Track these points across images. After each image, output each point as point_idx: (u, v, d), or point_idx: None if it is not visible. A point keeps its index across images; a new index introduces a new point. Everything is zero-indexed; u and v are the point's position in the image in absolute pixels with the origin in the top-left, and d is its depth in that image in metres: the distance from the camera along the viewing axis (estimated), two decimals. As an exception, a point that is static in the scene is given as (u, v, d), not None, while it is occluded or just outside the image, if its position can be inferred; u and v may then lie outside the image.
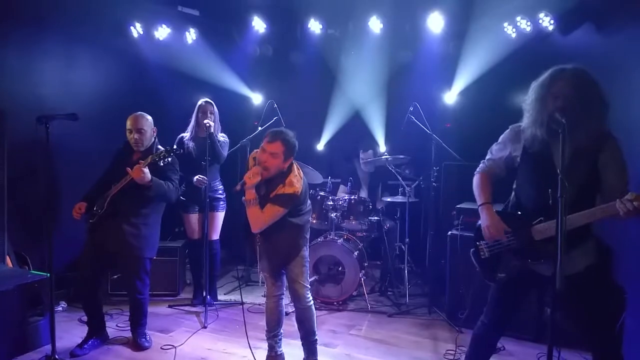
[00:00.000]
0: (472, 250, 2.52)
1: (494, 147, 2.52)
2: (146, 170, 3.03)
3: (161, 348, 3.35)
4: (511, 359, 3.27)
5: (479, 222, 2.47)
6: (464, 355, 2.65)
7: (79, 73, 4.50)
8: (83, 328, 3.63)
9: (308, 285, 2.91)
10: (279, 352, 3.06)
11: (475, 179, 2.56)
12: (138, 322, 3.36)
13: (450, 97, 5.05)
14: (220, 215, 4.23)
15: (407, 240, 4.59)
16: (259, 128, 4.63)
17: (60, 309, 4.00)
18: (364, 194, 5.03)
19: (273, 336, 3.03)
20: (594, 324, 2.23)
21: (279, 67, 5.68)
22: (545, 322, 3.40)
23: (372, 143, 5.24)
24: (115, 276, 4.15)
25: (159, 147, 3.34)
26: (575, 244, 2.13)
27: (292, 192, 2.71)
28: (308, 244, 2.96)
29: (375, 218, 4.62)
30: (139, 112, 3.30)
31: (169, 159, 3.15)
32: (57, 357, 2.86)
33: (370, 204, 4.64)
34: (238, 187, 2.76)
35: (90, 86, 4.56)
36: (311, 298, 2.94)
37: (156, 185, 3.11)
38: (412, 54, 5.14)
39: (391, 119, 5.32)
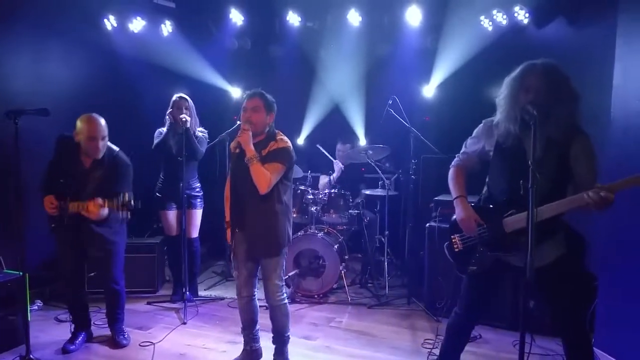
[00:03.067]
0: (446, 244, 2.57)
1: (468, 141, 2.56)
2: (105, 210, 2.93)
3: (139, 345, 3.31)
4: (487, 346, 3.34)
5: (454, 216, 2.50)
6: (441, 345, 2.70)
7: (50, 67, 4.38)
8: (60, 327, 3.60)
9: (282, 283, 2.88)
10: (254, 347, 3.04)
11: (450, 173, 2.60)
12: (115, 316, 3.31)
13: (429, 90, 5.09)
14: (198, 213, 4.19)
15: (386, 232, 4.63)
16: (238, 122, 4.57)
17: (36, 307, 3.93)
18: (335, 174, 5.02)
19: (248, 334, 3.02)
20: (564, 312, 2.30)
21: (258, 61, 5.64)
22: (519, 310, 3.47)
23: (352, 137, 5.25)
24: (92, 274, 4.09)
25: (112, 147, 3.19)
26: (545, 237, 2.19)
27: (285, 146, 2.78)
28: (289, 241, 2.91)
29: (355, 211, 4.64)
30: (92, 114, 3.06)
31: (128, 214, 3.01)
32: (32, 356, 2.81)
33: (350, 197, 4.67)
34: (235, 147, 2.80)
35: (62, 81, 4.45)
36: (285, 297, 2.90)
37: (113, 216, 3.03)
38: (391, 47, 5.16)
39: (370, 112, 5.34)
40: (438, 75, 4.98)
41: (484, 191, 2.52)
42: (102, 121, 3.07)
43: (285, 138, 2.85)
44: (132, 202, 2.95)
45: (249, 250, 2.84)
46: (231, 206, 2.87)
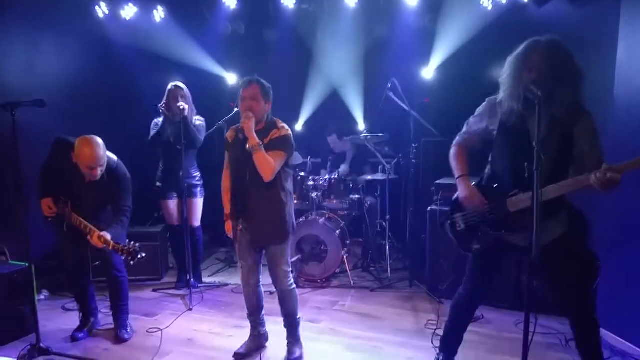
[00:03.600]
0: (447, 222, 2.59)
1: (471, 119, 2.55)
2: (107, 238, 2.93)
3: (147, 331, 3.35)
4: (490, 326, 3.38)
5: (455, 195, 2.52)
6: (444, 325, 2.75)
7: (42, 57, 4.32)
8: (67, 315, 3.63)
9: (290, 269, 2.90)
10: (262, 332, 3.09)
11: (452, 152, 2.60)
12: (119, 307, 3.29)
13: (428, 72, 5.06)
14: (199, 202, 4.19)
15: (387, 216, 4.65)
16: (235, 109, 4.54)
17: (43, 297, 3.96)
18: (344, 168, 5.06)
19: (255, 319, 3.06)
20: (569, 291, 2.33)
21: (253, 45, 5.57)
22: (522, 290, 3.52)
23: (334, 128, 5.24)
24: (97, 262, 4.10)
25: (112, 159, 3.11)
26: (549, 215, 2.20)
27: (287, 134, 2.78)
28: (294, 228, 2.91)
29: (356, 196, 4.65)
30: (92, 140, 2.91)
31: (129, 259, 2.94)
32: (42, 345, 2.84)
33: (351, 182, 4.67)
34: (240, 136, 2.75)
35: (56, 70, 4.40)
36: (293, 281, 2.93)
37: (116, 237, 3.01)
38: (389, 29, 5.10)
39: (369, 95, 5.30)
40: (437, 57, 4.94)
41: (486, 170, 2.52)
42: (101, 148, 2.95)
43: (286, 126, 2.83)
44: (139, 254, 2.93)
45: (255, 239, 2.83)
46: (233, 197, 2.83)
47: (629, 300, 2.96)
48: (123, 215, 3.11)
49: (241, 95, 2.75)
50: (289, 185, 2.88)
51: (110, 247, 2.93)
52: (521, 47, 2.24)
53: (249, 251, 2.88)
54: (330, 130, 5.22)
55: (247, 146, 2.67)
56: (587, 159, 2.16)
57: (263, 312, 3.09)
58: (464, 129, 2.59)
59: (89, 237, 2.96)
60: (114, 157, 3.15)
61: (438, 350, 2.78)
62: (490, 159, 2.50)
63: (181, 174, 3.92)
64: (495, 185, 2.40)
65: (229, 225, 2.92)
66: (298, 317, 2.99)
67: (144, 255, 2.97)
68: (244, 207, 2.78)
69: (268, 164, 2.66)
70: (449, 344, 2.72)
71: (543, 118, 2.11)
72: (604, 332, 3.11)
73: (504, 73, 2.30)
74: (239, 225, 2.82)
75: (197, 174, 4.20)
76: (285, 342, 3.00)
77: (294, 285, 2.94)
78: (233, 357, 2.96)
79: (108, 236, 2.94)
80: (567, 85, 2.14)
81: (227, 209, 2.92)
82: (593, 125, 2.20)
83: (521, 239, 2.30)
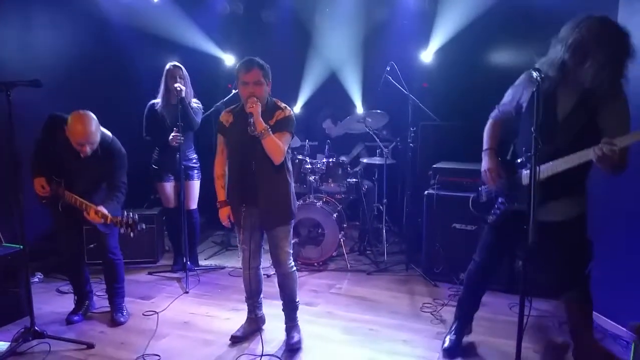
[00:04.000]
0: (472, 195, 2.66)
1: (508, 91, 2.52)
2: (104, 212, 2.88)
3: (143, 314, 3.35)
4: (485, 309, 3.38)
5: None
6: (460, 294, 2.90)
7: (38, 37, 4.23)
8: (62, 298, 3.63)
9: (291, 251, 2.88)
10: (259, 315, 3.10)
11: (487, 125, 2.62)
12: (115, 290, 3.27)
13: (427, 55, 5.00)
14: (195, 184, 4.16)
15: (384, 200, 4.65)
16: (233, 91, 4.50)
17: (37, 280, 3.95)
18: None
19: (253, 302, 3.06)
20: (565, 272, 2.40)
21: (251, 26, 5.50)
22: (516, 273, 3.54)
23: (327, 113, 5.19)
24: (92, 245, 4.09)
25: (106, 135, 3.06)
26: (564, 192, 2.25)
27: (291, 115, 2.75)
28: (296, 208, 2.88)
29: (354, 180, 4.64)
30: (84, 116, 2.87)
31: (129, 231, 2.89)
32: (36, 328, 2.84)
33: (349, 166, 4.66)
34: (251, 121, 2.59)
35: (52, 50, 4.31)
36: (293, 264, 2.91)
37: (113, 212, 2.96)
38: (388, 11, 5.04)
39: (368, 79, 5.25)
40: (437, 40, 4.87)
41: (514, 142, 2.53)
42: (93, 125, 2.89)
43: (287, 106, 2.80)
44: (138, 225, 2.88)
45: (262, 222, 2.78)
46: (237, 183, 2.76)
47: (620, 283, 2.98)
48: (118, 191, 3.06)
49: (242, 80, 2.65)
50: (290, 165, 2.87)
51: (109, 221, 2.89)
52: (576, 19, 2.16)
53: (252, 235, 2.83)
54: (325, 115, 5.15)
55: (256, 131, 2.58)
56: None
57: (261, 295, 3.10)
58: (502, 101, 2.56)
59: (85, 213, 2.90)
60: (108, 133, 3.10)
61: (454, 317, 2.91)
62: (517, 132, 2.50)
63: (178, 156, 3.89)
64: (519, 160, 2.42)
65: (223, 212, 2.87)
66: (297, 300, 2.98)
67: (144, 226, 2.94)
68: (253, 192, 2.70)
69: (278, 147, 2.63)
70: (464, 310, 2.84)
71: (571, 96, 2.17)
72: (596, 315, 3.14)
73: (556, 37, 2.22)
74: (243, 210, 2.76)
75: (194, 156, 4.17)
76: (283, 325, 3.00)
77: (295, 268, 2.92)
78: (230, 340, 2.96)
79: (105, 210, 2.90)
80: (610, 66, 2.05)
81: (220, 196, 2.87)
82: (625, 108, 2.15)
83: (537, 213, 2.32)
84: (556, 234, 2.29)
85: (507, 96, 2.51)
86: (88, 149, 2.93)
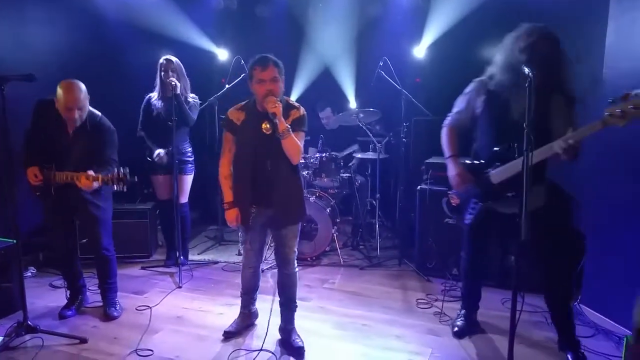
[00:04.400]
0: (444, 199, 2.82)
1: (460, 99, 2.70)
2: (95, 182, 2.87)
3: (136, 309, 3.35)
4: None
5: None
6: (461, 289, 3.12)
7: (33, 31, 4.20)
8: (55, 293, 3.62)
9: (296, 251, 2.81)
10: (252, 310, 3.09)
11: (443, 133, 2.78)
12: (107, 286, 3.27)
13: (420, 51, 5.01)
14: (188, 179, 4.14)
15: (377, 195, 4.66)
16: (227, 86, 4.50)
17: (30, 274, 3.93)
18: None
19: (248, 298, 3.04)
20: (551, 265, 2.56)
21: (245, 21, 5.48)
22: (508, 268, 3.57)
23: (327, 101, 5.17)
24: (84, 240, 4.08)
25: (95, 112, 3.09)
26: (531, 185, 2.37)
27: (304, 113, 2.69)
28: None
29: (347, 175, 4.65)
30: (73, 82, 2.92)
31: (121, 186, 2.90)
32: (29, 323, 2.83)
33: (342, 161, 4.67)
34: (240, 119, 2.62)
35: (45, 45, 4.27)
36: (296, 265, 2.84)
37: (104, 181, 2.94)
38: (381, 6, 5.04)
39: (361, 74, 5.26)
40: (429, 35, 4.89)
41: (473, 146, 2.69)
42: (82, 91, 2.92)
43: (300, 104, 2.74)
44: (128, 176, 2.87)
45: (274, 221, 2.70)
46: (246, 183, 2.65)
47: (612, 278, 3.02)
48: (109, 165, 3.02)
49: (258, 77, 2.54)
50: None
51: (100, 181, 2.87)
52: (519, 29, 2.40)
53: (259, 235, 2.80)
54: (324, 104, 5.07)
55: (278, 132, 2.50)
56: (560, 132, 2.31)
57: (257, 291, 3.08)
58: (454, 109, 2.73)
59: (77, 182, 2.88)
60: (97, 112, 3.11)
61: (460, 307, 3.09)
62: (475, 135, 2.69)
63: (170, 148, 3.88)
64: (479, 162, 2.60)
65: (232, 214, 2.73)
66: (296, 302, 2.91)
67: (135, 178, 2.93)
68: (266, 193, 2.61)
69: (297, 147, 2.58)
70: (469, 299, 3.02)
71: (523, 99, 2.24)
72: (588, 310, 3.19)
73: (499, 50, 2.46)
74: (253, 212, 2.67)
75: (189, 149, 4.15)
76: (273, 319, 2.85)
77: (297, 270, 2.85)
78: (223, 335, 2.96)
79: (92, 172, 2.86)
80: (556, 70, 2.31)
81: (228, 196, 2.74)
82: (569, 104, 2.38)
83: (506, 207, 2.51)
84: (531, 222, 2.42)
85: (460, 104, 2.68)
86: (76, 115, 2.92)
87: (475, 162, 2.63)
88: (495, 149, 2.49)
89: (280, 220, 2.70)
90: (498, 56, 2.46)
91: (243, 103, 2.76)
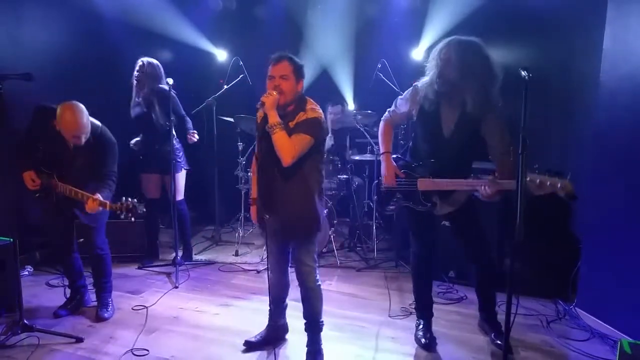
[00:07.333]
0: (375, 182, 2.99)
1: (398, 100, 2.82)
2: (102, 200, 2.88)
3: (132, 309, 3.35)
4: (473, 307, 3.43)
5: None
6: (413, 293, 3.05)
7: (29, 30, 4.19)
8: (51, 292, 3.61)
9: (316, 265, 2.64)
10: (280, 323, 2.89)
11: (380, 127, 2.91)
12: (101, 285, 3.27)
13: (418, 53, 5.02)
14: (180, 176, 4.12)
15: (375, 197, 4.66)
16: (225, 86, 4.51)
17: (27, 273, 3.93)
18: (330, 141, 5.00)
19: (274, 308, 2.85)
20: (473, 243, 2.79)
21: (243, 22, 5.48)
22: (503, 272, 3.58)
23: (341, 99, 5.19)
24: (82, 239, 4.07)
25: (95, 123, 3.06)
26: (447, 193, 2.65)
27: (315, 117, 2.42)
28: (321, 222, 2.60)
29: (344, 176, 4.66)
30: (75, 108, 2.86)
31: (129, 216, 2.93)
32: (25, 321, 2.83)
33: (339, 162, 4.67)
34: (259, 109, 2.42)
35: (42, 43, 4.26)
36: (318, 279, 2.66)
37: (112, 209, 2.96)
38: (380, 8, 5.06)
39: (359, 75, 5.27)
40: (428, 38, 4.89)
41: (410, 144, 2.85)
42: (84, 115, 2.89)
43: (317, 107, 2.49)
44: (138, 208, 2.89)
45: (281, 232, 2.58)
46: (258, 186, 2.59)
47: (607, 282, 3.03)
48: (109, 179, 3.05)
49: (269, 73, 2.44)
50: (320, 175, 2.57)
51: (107, 208, 2.90)
52: (444, 41, 2.51)
53: (274, 240, 2.67)
54: (335, 100, 4.98)
55: (266, 125, 2.38)
56: (497, 150, 2.48)
57: (285, 303, 2.89)
58: (392, 107, 2.86)
59: (82, 200, 2.89)
60: (97, 122, 3.10)
61: (417, 318, 3.02)
62: (412, 135, 2.85)
63: (157, 147, 3.95)
64: (414, 165, 2.76)
65: (252, 211, 2.73)
66: (321, 320, 2.70)
67: (144, 209, 2.96)
68: (271, 200, 2.51)
69: (287, 145, 2.35)
70: (423, 307, 2.97)
71: (452, 113, 2.51)
72: (583, 314, 3.20)
73: (427, 62, 2.60)
74: (265, 214, 2.58)
75: (178, 146, 4.12)
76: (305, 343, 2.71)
77: (320, 283, 2.67)
78: (244, 345, 2.81)
79: (100, 197, 2.89)
80: (478, 84, 2.38)
81: (253, 192, 2.71)
82: (499, 120, 2.47)
83: (424, 209, 2.72)
84: (456, 219, 2.74)
85: (401, 105, 2.78)
86: (83, 139, 2.94)
87: (413, 164, 2.76)
88: (431, 160, 2.64)
89: (290, 232, 2.57)
90: (427, 69, 2.58)
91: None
